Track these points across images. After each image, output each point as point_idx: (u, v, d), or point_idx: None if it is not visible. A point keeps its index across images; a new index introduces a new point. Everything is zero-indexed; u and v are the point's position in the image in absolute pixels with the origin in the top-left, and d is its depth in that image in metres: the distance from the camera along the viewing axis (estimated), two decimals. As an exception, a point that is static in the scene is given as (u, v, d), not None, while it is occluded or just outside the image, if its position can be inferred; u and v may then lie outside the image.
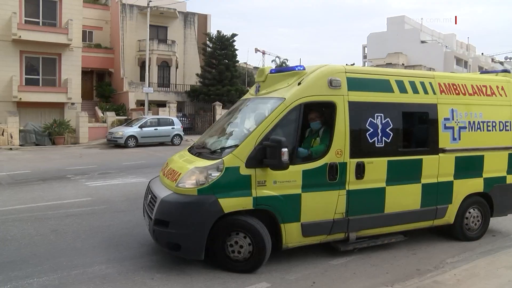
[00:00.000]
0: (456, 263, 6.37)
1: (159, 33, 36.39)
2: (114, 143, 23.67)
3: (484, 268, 5.92)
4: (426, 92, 7.06)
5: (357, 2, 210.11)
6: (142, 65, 33.94)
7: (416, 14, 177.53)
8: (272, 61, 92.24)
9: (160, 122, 25.43)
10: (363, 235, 6.66)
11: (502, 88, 7.84)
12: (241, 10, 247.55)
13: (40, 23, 26.65)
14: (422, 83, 7.07)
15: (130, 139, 23.52)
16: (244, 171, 5.71)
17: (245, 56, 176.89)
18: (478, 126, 7.48)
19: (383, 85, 6.76)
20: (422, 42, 79.22)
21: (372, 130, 6.50)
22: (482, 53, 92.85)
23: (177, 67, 36.38)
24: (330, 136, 6.23)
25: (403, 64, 73.49)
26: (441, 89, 7.21)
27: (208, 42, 35.39)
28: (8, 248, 6.64)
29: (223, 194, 5.62)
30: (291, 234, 5.99)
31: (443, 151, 7.09)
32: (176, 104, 30.94)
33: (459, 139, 7.26)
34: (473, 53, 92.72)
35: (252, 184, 5.74)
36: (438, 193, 7.10)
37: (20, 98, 25.08)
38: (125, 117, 28.67)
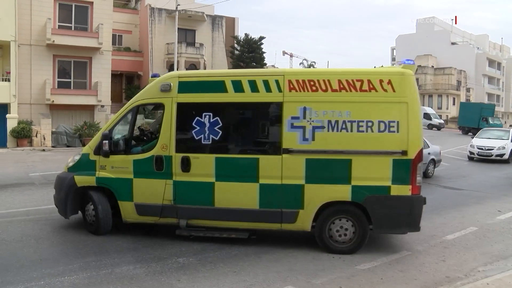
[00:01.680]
0: (488, 271, 6.18)
1: (187, 36, 36.78)
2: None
3: (518, 277, 5.73)
4: (269, 90, 6.84)
5: (385, 2, 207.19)
6: (170, 68, 34.34)
7: (445, 14, 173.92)
8: (300, 63, 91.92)
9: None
10: (196, 224, 7.14)
11: (389, 83, 6.58)
12: (268, 11, 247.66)
13: (72, 28, 27.34)
14: (265, 82, 6.88)
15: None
16: (92, 157, 7.49)
17: (273, 58, 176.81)
18: (344, 126, 6.60)
19: (216, 86, 7.04)
20: (453, 43, 77.47)
21: (198, 128, 6.96)
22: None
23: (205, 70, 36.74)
24: (158, 132, 7.22)
25: (432, 66, 72.14)
26: (291, 86, 6.78)
27: (236, 45, 35.59)
28: (41, 246, 6.84)
29: (78, 173, 7.57)
30: (127, 210, 7.33)
31: (288, 151, 6.70)
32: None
33: (312, 140, 6.67)
34: (507, 54, 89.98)
35: (96, 167, 7.45)
36: (282, 196, 6.77)
37: (53, 101, 25.78)
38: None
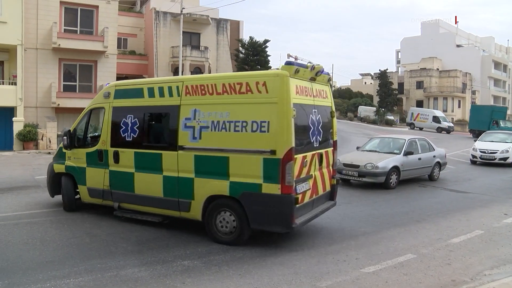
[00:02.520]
0: (494, 275, 6.14)
1: (192, 39, 36.90)
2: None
3: (524, 281, 5.69)
4: (171, 95, 7.90)
5: (389, 5, 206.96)
6: (175, 71, 34.46)
7: (450, 16, 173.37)
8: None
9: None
10: (126, 207, 8.54)
11: (264, 84, 6.87)
12: (273, 15, 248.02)
13: (78, 32, 27.49)
14: (170, 88, 7.95)
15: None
16: (64, 150, 9.55)
17: (278, 61, 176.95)
18: (223, 126, 7.17)
19: (137, 93, 8.46)
20: (458, 46, 77.24)
21: (124, 127, 8.46)
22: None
23: (209, 73, 36.70)
24: (101, 130, 8.90)
25: (437, 69, 71.93)
26: (187, 91, 7.68)
27: (240, 48, 35.62)
28: (47, 248, 6.87)
29: (55, 162, 9.77)
30: (83, 193, 9.20)
31: (182, 148, 7.60)
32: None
33: (200, 138, 7.43)
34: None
35: (66, 158, 9.52)
36: (179, 187, 7.64)
37: (58, 104, 25.92)
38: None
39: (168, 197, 7.80)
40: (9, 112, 23.82)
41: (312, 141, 7.67)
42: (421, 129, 50.80)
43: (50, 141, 22.91)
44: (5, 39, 23.45)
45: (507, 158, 19.46)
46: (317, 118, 7.84)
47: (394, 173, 13.20)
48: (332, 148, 8.50)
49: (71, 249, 6.87)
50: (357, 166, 13.14)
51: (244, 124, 7.01)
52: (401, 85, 70.00)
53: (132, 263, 6.30)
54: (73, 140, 9.39)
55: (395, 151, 14.06)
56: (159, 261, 6.40)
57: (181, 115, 7.64)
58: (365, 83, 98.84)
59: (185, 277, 5.80)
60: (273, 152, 6.73)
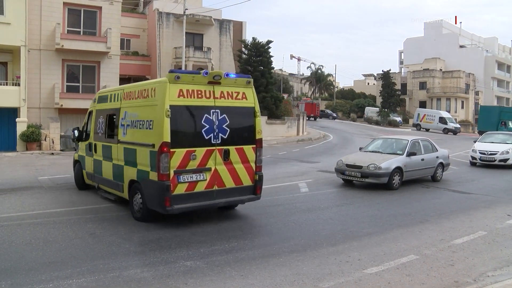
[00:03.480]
0: (497, 276, 6.12)
1: (195, 40, 36.92)
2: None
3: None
4: (117, 100, 10.13)
5: (392, 6, 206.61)
6: (177, 72, 34.50)
7: (453, 16, 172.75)
8: (308, 67, 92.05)
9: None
10: (102, 188, 10.84)
11: (154, 90, 8.43)
12: (276, 16, 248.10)
13: (81, 33, 27.57)
14: (117, 94, 10.22)
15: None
16: (77, 142, 12.50)
17: (280, 62, 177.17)
18: (135, 124, 8.99)
19: (105, 99, 10.93)
20: (461, 46, 77.05)
21: (99, 125, 10.95)
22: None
23: (212, 74, 36.79)
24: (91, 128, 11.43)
25: (440, 69, 71.79)
26: (124, 97, 9.72)
27: (243, 49, 35.59)
28: (49, 249, 6.89)
29: (76, 152, 12.82)
30: (84, 176, 11.77)
31: (119, 142, 9.62)
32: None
33: (126, 134, 9.37)
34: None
35: (78, 149, 12.57)
36: (118, 173, 9.59)
37: (61, 105, 26.00)
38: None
39: (115, 180, 9.79)
40: (13, 112, 23.91)
41: (207, 138, 8.41)
42: (427, 130, 50.67)
43: (53, 142, 22.97)
44: (9, 40, 23.56)
45: (507, 159, 19.03)
46: (220, 118, 8.58)
47: (397, 174, 13.16)
48: (253, 146, 9.04)
49: (73, 250, 6.88)
50: (360, 167, 13.10)
51: (142, 122, 8.71)
52: (404, 85, 69.92)
53: (134, 263, 6.31)
54: (81, 135, 12.07)
55: (398, 152, 13.99)
56: (161, 261, 6.41)
57: (120, 115, 9.70)
58: (368, 83, 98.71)
59: (188, 278, 5.80)
60: (153, 145, 8.16)
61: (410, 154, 13.78)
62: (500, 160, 18.97)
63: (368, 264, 6.42)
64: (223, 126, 8.63)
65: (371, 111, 60.55)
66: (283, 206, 10.50)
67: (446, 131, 49.34)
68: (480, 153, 19.52)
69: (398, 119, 59.18)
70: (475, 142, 21.10)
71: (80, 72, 28.04)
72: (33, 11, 25.26)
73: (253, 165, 9.06)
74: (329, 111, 66.28)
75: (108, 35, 26.88)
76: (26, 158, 19.81)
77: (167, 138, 7.83)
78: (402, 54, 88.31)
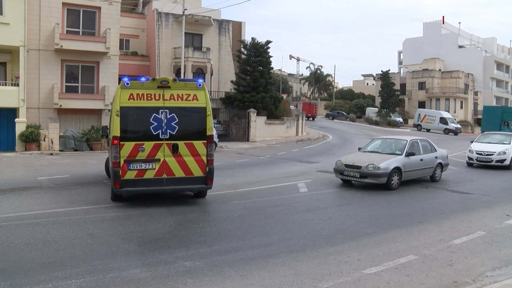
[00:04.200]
0: (496, 276, 6.13)
1: (194, 40, 36.93)
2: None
3: (526, 282, 5.67)
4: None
5: (391, 6, 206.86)
6: (177, 72, 34.49)
7: (452, 17, 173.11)
8: (307, 67, 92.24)
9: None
10: None
11: (114, 95, 10.64)
12: (275, 16, 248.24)
13: (80, 33, 27.53)
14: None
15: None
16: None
17: (280, 63, 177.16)
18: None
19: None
20: (460, 46, 77.12)
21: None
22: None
23: (212, 74, 36.78)
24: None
25: (439, 69, 71.86)
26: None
27: (242, 49, 35.54)
28: (48, 249, 6.88)
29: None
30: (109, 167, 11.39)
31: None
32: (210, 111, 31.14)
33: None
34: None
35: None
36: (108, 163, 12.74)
37: (61, 105, 25.97)
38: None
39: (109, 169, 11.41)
40: (12, 113, 23.88)
41: (155, 133, 9.90)
42: (428, 130, 50.65)
43: (52, 142, 22.93)
44: (8, 40, 23.54)
45: (504, 160, 18.71)
46: (169, 116, 9.97)
47: (395, 174, 13.15)
48: (203, 141, 10.24)
49: (73, 250, 6.88)
50: (359, 167, 13.07)
51: (111, 121, 10.29)
52: (403, 86, 69.97)
53: (133, 264, 6.30)
54: (105, 132, 13.09)
55: (397, 152, 13.95)
56: (160, 262, 6.40)
57: None
58: (367, 84, 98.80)
59: (187, 278, 5.80)
60: (110, 138, 10.03)
61: (409, 154, 13.77)
62: (497, 161, 18.74)
63: (367, 264, 6.43)
64: (172, 123, 9.99)
65: (372, 112, 60.56)
66: (282, 206, 10.51)
67: (447, 131, 49.33)
68: (477, 153, 19.26)
69: (399, 119, 59.15)
70: (472, 142, 20.82)
71: (79, 72, 28.01)
72: (32, 11, 25.25)
73: (204, 158, 10.21)
74: (343, 112, 65.49)
75: (107, 35, 26.85)
76: (25, 159, 19.79)
77: (117, 133, 9.63)
78: (401, 54, 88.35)
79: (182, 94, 10.16)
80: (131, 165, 9.76)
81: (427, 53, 74.92)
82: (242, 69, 35.00)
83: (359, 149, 15.62)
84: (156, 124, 9.91)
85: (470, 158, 19.60)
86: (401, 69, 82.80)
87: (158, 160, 9.94)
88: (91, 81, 28.28)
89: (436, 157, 15.02)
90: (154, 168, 9.92)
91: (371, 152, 14.58)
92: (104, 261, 6.36)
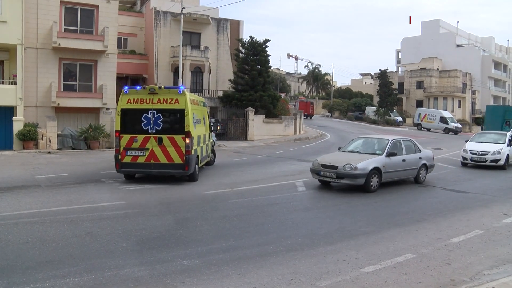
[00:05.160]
0: (494, 275, 6.15)
1: (192, 39, 36.84)
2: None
3: (523, 281, 5.69)
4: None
5: (389, 6, 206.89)
6: (175, 70, 34.41)
7: (450, 16, 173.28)
8: (305, 66, 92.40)
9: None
10: None
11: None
12: (273, 16, 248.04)
13: (78, 31, 27.44)
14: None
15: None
16: None
17: (278, 61, 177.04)
18: None
19: None
20: (458, 46, 77.22)
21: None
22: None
23: (210, 73, 36.71)
24: None
25: (437, 68, 71.94)
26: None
27: (240, 48, 35.50)
28: (46, 248, 6.87)
29: None
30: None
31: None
32: (208, 110, 31.11)
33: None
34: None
35: None
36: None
37: (58, 104, 25.89)
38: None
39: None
40: (9, 111, 23.80)
41: (145, 128, 12.93)
42: (428, 129, 50.66)
43: (50, 141, 22.90)
44: (5, 39, 23.45)
45: (499, 160, 18.32)
46: (156, 116, 12.93)
47: (375, 175, 12.39)
48: (182, 135, 12.89)
49: (70, 249, 6.87)
50: (335, 167, 12.30)
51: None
52: (401, 85, 70.03)
53: (131, 262, 6.30)
54: None
55: (377, 152, 13.25)
56: (158, 260, 6.40)
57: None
58: (365, 83, 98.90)
59: (185, 277, 5.80)
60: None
61: (390, 154, 13.05)
62: (492, 161, 18.38)
63: (365, 263, 6.44)
64: (158, 121, 12.96)
65: (372, 111, 60.55)
66: (280, 205, 10.51)
67: (447, 130, 49.35)
68: (471, 153, 18.85)
69: (398, 118, 59.09)
70: (466, 141, 20.33)
71: (77, 71, 27.93)
72: (30, 9, 25.16)
73: (183, 149, 12.86)
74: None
75: (105, 33, 26.77)
76: (23, 157, 19.75)
77: (118, 128, 13.08)
78: (399, 53, 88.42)
79: (167, 99, 12.98)
80: (128, 152, 12.94)
81: (425, 52, 75.00)
82: (240, 67, 34.97)
83: (339, 148, 15.05)
84: (146, 121, 12.93)
85: (464, 158, 19.22)
86: (399, 68, 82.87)
87: (148, 149, 12.91)
88: (89, 80, 28.21)
89: (420, 158, 14.28)
90: (144, 155, 12.93)
91: (351, 152, 13.89)
92: (102, 260, 6.35)
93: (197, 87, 36.01)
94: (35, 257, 6.45)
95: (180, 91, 13.02)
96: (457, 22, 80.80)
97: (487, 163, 18.43)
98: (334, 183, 12.99)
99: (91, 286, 5.45)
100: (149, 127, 12.89)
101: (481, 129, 43.76)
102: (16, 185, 12.54)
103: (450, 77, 68.30)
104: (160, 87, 13.07)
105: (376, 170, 12.50)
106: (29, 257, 6.44)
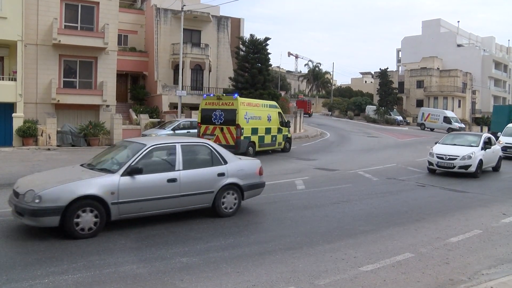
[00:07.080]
0: (492, 274, 6.15)
1: (192, 36, 36.82)
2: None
3: (522, 281, 5.70)
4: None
5: (389, 5, 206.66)
6: (175, 68, 34.41)
7: (449, 15, 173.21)
8: (305, 65, 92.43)
9: (192, 125, 25.66)
10: None
11: None
12: (274, 14, 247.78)
13: (78, 28, 27.44)
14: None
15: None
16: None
17: (278, 60, 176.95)
18: None
19: None
20: (459, 45, 77.19)
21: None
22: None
23: (210, 71, 36.71)
24: None
25: (438, 68, 71.90)
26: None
27: (241, 46, 35.46)
28: (44, 244, 6.87)
29: None
30: None
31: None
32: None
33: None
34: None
35: None
36: None
37: (58, 100, 25.90)
38: (158, 120, 29.14)
39: None
40: (9, 108, 23.80)
41: (214, 121, 19.49)
42: (432, 129, 50.58)
43: (49, 137, 22.88)
44: (5, 35, 23.45)
45: (469, 166, 15.50)
46: (220, 113, 19.38)
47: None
48: (234, 126, 18.90)
49: (69, 246, 6.86)
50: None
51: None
52: (401, 84, 70.00)
53: (130, 259, 6.30)
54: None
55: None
56: (157, 258, 6.40)
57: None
58: (366, 82, 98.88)
59: (184, 274, 5.80)
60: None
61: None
62: (460, 167, 15.60)
63: (364, 262, 6.44)
64: (221, 117, 19.36)
65: (372, 110, 60.51)
66: (280, 203, 10.52)
67: (450, 130, 49.23)
68: (438, 157, 16.00)
69: (399, 117, 59.03)
70: (436, 143, 17.64)
71: (77, 68, 27.94)
72: (30, 5, 25.14)
73: (234, 135, 18.86)
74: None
75: (105, 30, 26.76)
76: (23, 154, 19.74)
77: (199, 120, 20.21)
78: (400, 52, 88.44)
79: (227, 102, 19.38)
80: (205, 136, 18.56)
81: (425, 52, 74.97)
82: (240, 65, 34.94)
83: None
84: (214, 117, 19.52)
85: (430, 163, 16.42)
86: (400, 67, 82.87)
87: (215, 135, 19.21)
88: (89, 77, 28.21)
89: (220, 174, 8.97)
90: (213, 139, 18.00)
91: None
92: (101, 257, 6.35)
93: (197, 85, 36.01)
94: (34, 253, 6.45)
95: (234, 97, 19.27)
96: (458, 21, 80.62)
97: (455, 169, 15.71)
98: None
99: (89, 283, 5.45)
100: (216, 120, 19.40)
101: (488, 130, 42.85)
102: (15, 181, 12.50)
103: (451, 76, 68.28)
104: (223, 94, 20.47)
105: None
106: (28, 253, 6.44)
